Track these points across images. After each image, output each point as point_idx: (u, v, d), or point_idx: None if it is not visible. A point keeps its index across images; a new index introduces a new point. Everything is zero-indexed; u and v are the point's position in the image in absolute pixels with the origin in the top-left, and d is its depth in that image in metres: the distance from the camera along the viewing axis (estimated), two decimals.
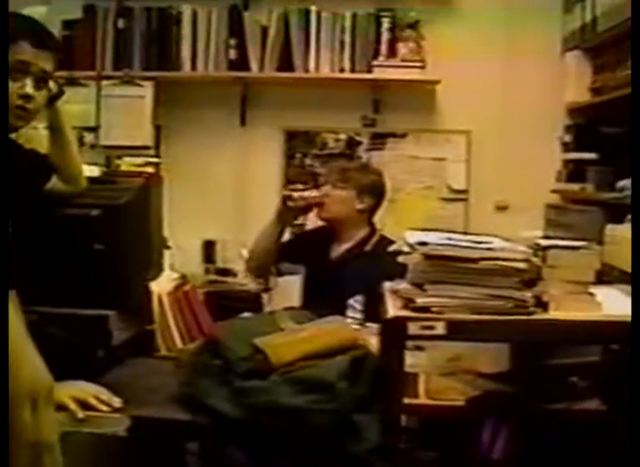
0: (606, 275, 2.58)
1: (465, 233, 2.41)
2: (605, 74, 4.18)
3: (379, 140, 4.81)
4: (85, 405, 2.12)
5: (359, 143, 4.82)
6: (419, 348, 2.77)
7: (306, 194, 3.49)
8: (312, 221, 3.91)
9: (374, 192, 3.58)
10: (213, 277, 4.60)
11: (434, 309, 2.08)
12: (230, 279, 4.58)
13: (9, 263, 1.91)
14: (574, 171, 4.35)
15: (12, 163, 2.06)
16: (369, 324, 3.05)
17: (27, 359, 1.71)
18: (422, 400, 2.81)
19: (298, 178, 4.80)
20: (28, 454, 1.62)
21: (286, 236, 3.81)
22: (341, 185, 3.49)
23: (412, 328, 2.06)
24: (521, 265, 2.13)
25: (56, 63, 2.19)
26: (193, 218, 4.64)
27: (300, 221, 4.04)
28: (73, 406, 2.08)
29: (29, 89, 2.10)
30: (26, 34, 2.08)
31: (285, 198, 3.56)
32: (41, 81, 2.15)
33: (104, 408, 2.13)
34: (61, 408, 2.06)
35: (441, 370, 2.87)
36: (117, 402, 2.16)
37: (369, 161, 4.64)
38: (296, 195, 3.50)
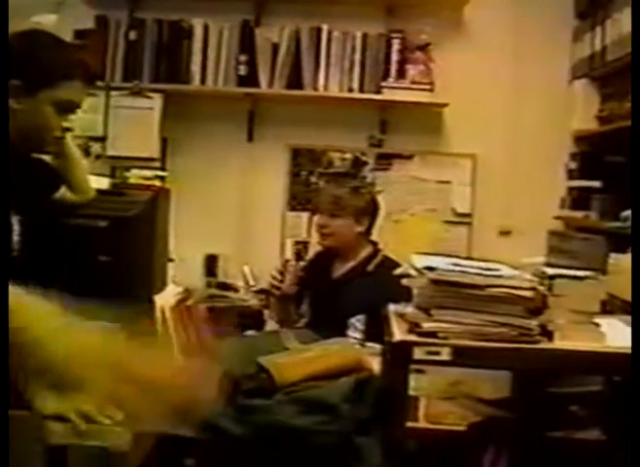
0: (609, 305, 2.59)
1: (469, 258, 2.42)
2: (612, 103, 4.19)
3: (385, 161, 4.82)
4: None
5: (365, 163, 4.82)
6: (420, 372, 2.77)
7: (278, 284, 3.50)
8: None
9: (370, 211, 3.58)
10: (214, 292, 4.59)
11: (440, 335, 2.09)
12: (231, 294, 4.57)
13: (9, 262, 1.92)
14: (578, 199, 4.36)
15: (19, 172, 2.07)
16: (369, 344, 3.05)
17: None
18: (422, 423, 2.81)
19: (303, 196, 4.82)
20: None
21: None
22: (338, 213, 3.48)
23: (418, 353, 2.06)
24: (528, 293, 2.13)
25: None
26: (196, 231, 4.63)
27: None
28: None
29: (69, 124, 2.17)
30: (80, 73, 2.11)
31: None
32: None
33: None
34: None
35: (442, 394, 2.87)
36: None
37: (363, 181, 4.61)
38: (272, 286, 3.52)
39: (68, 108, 2.12)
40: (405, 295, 2.30)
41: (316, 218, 3.56)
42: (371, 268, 3.51)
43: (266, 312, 4.10)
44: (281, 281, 3.43)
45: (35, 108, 2.03)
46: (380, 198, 3.79)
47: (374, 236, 3.66)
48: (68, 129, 2.18)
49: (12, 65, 1.93)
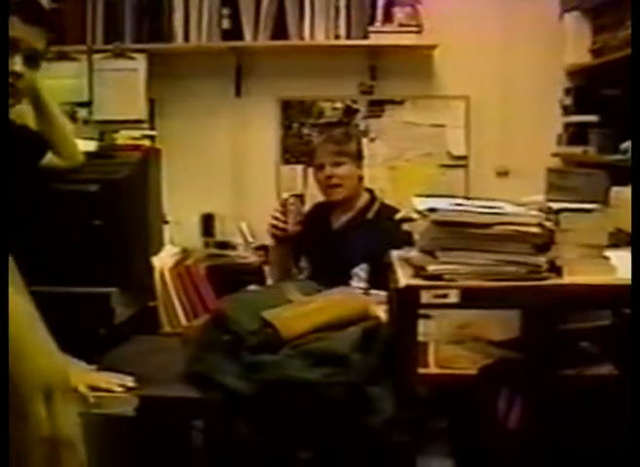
0: (614, 238, 2.54)
1: (470, 199, 2.37)
2: (605, 35, 4.12)
3: (377, 107, 4.75)
4: (97, 389, 2.08)
5: (356, 111, 4.76)
6: (427, 317, 2.73)
7: (281, 225, 3.39)
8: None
9: (361, 155, 3.55)
10: (213, 251, 4.55)
11: (446, 277, 2.04)
12: (230, 252, 4.53)
13: (7, 262, 1.88)
14: (575, 134, 4.30)
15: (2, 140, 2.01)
16: (374, 292, 3.02)
17: (38, 348, 1.62)
18: (432, 369, 2.79)
19: (296, 148, 4.76)
20: (45, 451, 1.53)
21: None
22: (340, 160, 3.44)
23: (425, 296, 2.01)
24: (535, 229, 2.08)
25: (48, 41, 2.12)
26: (190, 192, 4.59)
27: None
28: (85, 390, 2.04)
29: (19, 66, 2.03)
30: (16, 8, 1.99)
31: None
32: (31, 59, 2.08)
33: (118, 389, 2.10)
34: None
35: (450, 338, 2.85)
36: (130, 381, 2.12)
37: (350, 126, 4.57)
38: (273, 227, 3.42)
39: (10, 46, 1.98)
40: (406, 240, 2.26)
41: (315, 174, 3.50)
42: (370, 215, 3.47)
43: (266, 268, 4.05)
44: (284, 222, 3.35)
45: None
46: (375, 146, 3.74)
47: (371, 184, 3.62)
48: (17, 75, 2.03)
49: None
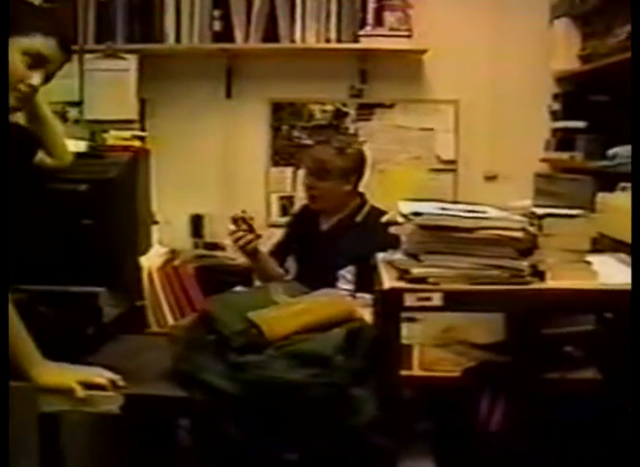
0: (598, 244, 2.57)
1: (456, 203, 2.39)
2: (594, 41, 4.15)
3: (367, 110, 4.77)
4: (89, 386, 2.09)
5: (346, 114, 4.78)
6: (412, 320, 2.76)
7: (241, 239, 3.38)
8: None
9: (357, 169, 3.53)
10: (202, 252, 4.56)
11: (430, 280, 2.06)
12: (219, 253, 4.54)
13: (8, 264, 1.90)
14: (563, 140, 4.32)
15: None
16: (360, 295, 3.04)
17: None
18: (416, 371, 2.81)
19: (285, 150, 4.78)
20: None
21: (278, 235, 3.76)
22: (324, 176, 3.44)
23: (409, 299, 2.03)
24: (518, 234, 2.10)
25: (65, 59, 2.18)
26: (180, 192, 4.60)
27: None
28: (76, 386, 2.05)
29: (38, 81, 2.10)
30: (54, 32, 2.09)
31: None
32: (48, 74, 2.15)
33: (109, 386, 2.11)
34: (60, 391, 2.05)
35: (435, 341, 2.87)
36: (120, 380, 2.14)
37: (349, 139, 4.55)
38: (234, 241, 3.41)
39: (38, 63, 2.07)
40: (394, 243, 2.28)
41: (303, 177, 3.51)
42: (359, 218, 3.49)
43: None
44: (250, 231, 3.35)
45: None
46: (364, 149, 3.75)
47: (360, 187, 3.63)
48: (35, 89, 2.11)
49: None
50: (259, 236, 3.38)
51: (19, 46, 2.03)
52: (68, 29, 2.26)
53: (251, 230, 3.34)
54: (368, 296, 2.71)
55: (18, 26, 2.02)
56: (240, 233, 3.33)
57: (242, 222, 3.34)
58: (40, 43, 2.06)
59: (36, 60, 2.07)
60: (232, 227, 3.36)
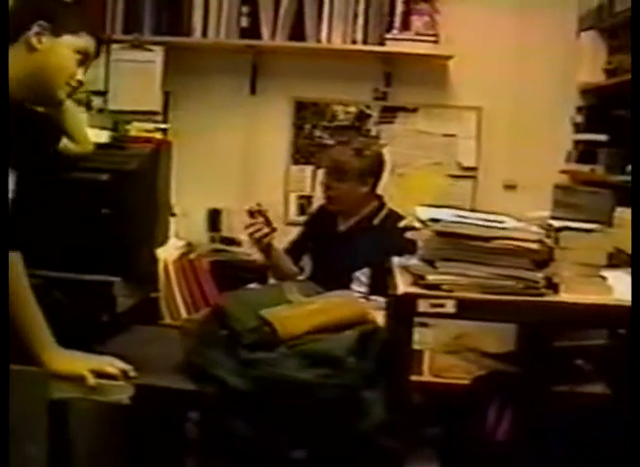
0: (615, 259, 2.56)
1: (475, 211, 2.40)
2: (620, 55, 4.14)
3: (390, 114, 4.78)
4: (101, 375, 2.11)
5: (369, 116, 4.79)
6: (424, 325, 2.76)
7: (257, 232, 3.39)
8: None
9: (375, 170, 3.55)
10: (218, 246, 4.58)
11: (444, 287, 2.07)
12: (234, 248, 4.55)
13: (7, 262, 1.93)
14: (584, 152, 4.32)
15: (23, 125, 2.07)
16: (373, 297, 3.05)
17: None
18: (427, 377, 2.81)
19: (306, 149, 4.78)
20: None
21: (295, 233, 3.77)
22: (341, 177, 3.46)
23: (422, 305, 2.04)
24: (534, 245, 2.11)
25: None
26: (199, 185, 4.61)
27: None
28: (88, 374, 2.07)
29: (83, 76, 2.22)
30: (93, 31, 2.21)
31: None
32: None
33: (121, 376, 2.13)
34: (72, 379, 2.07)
35: (446, 348, 2.87)
36: (132, 371, 2.16)
37: (367, 141, 4.56)
38: (249, 234, 3.42)
39: (85, 60, 2.18)
40: (411, 248, 2.28)
41: (321, 176, 3.52)
42: (376, 221, 3.49)
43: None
44: (267, 226, 3.36)
45: (58, 49, 2.12)
46: (385, 152, 3.76)
47: (379, 190, 3.64)
48: (82, 84, 2.21)
49: (44, 8, 2.11)
50: (274, 230, 3.39)
51: (73, 45, 2.13)
52: (99, 23, 2.38)
53: (267, 223, 3.36)
54: (381, 299, 2.72)
55: (67, 26, 2.13)
56: (256, 226, 3.34)
57: (259, 214, 3.36)
58: (87, 41, 2.17)
59: (84, 57, 2.17)
60: (249, 220, 3.37)
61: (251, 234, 3.38)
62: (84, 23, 2.19)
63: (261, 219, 3.35)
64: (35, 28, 2.08)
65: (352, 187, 3.46)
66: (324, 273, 3.31)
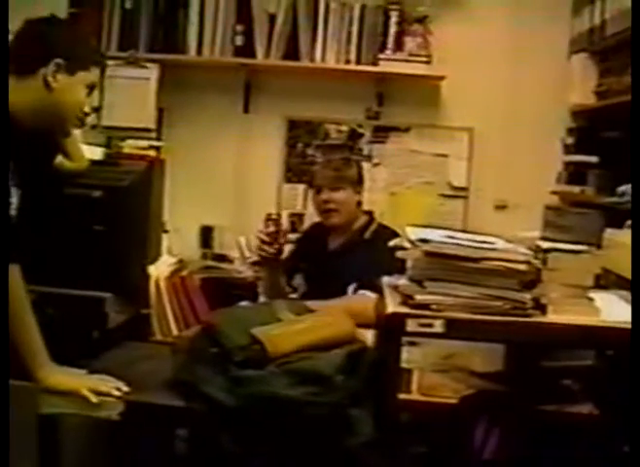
0: (603, 280, 2.59)
1: (464, 231, 2.42)
2: (611, 78, 4.17)
3: (382, 133, 4.80)
4: (98, 393, 2.13)
5: (361, 135, 4.81)
6: (413, 344, 2.78)
7: (266, 247, 3.42)
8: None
9: (361, 179, 3.61)
10: (209, 263, 4.58)
11: (433, 307, 2.09)
12: (226, 266, 4.56)
13: (7, 265, 1.95)
14: (574, 174, 4.34)
15: (20, 141, 2.09)
16: (361, 291, 3.07)
17: None
18: (415, 396, 2.83)
19: (299, 168, 4.81)
20: None
21: (286, 252, 3.79)
22: (338, 185, 3.49)
23: (411, 325, 2.06)
24: (522, 266, 2.13)
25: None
26: (191, 202, 4.63)
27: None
28: (87, 393, 2.10)
29: (89, 107, 2.33)
30: (100, 63, 2.35)
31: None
32: None
33: (116, 393, 2.15)
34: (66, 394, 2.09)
35: (434, 367, 2.89)
36: (124, 386, 2.17)
37: (350, 150, 4.65)
38: (260, 241, 3.45)
39: (91, 91, 2.29)
40: (402, 264, 2.30)
41: (317, 196, 3.54)
42: (367, 235, 3.51)
43: (260, 284, 4.09)
44: (275, 244, 3.39)
45: (73, 87, 2.20)
46: (377, 171, 3.79)
47: (371, 208, 3.67)
48: (97, 109, 2.32)
49: (60, 46, 2.19)
50: (283, 243, 3.42)
51: (85, 80, 2.23)
52: (94, 40, 2.44)
53: (277, 232, 3.38)
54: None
55: (81, 63, 2.22)
56: (269, 238, 3.37)
57: (273, 223, 3.39)
58: (96, 74, 2.28)
59: (92, 89, 2.28)
60: (262, 226, 3.40)
61: (262, 242, 3.40)
62: (94, 58, 2.29)
63: (273, 228, 3.38)
64: (52, 67, 2.15)
65: (349, 195, 3.50)
66: (317, 291, 3.31)
